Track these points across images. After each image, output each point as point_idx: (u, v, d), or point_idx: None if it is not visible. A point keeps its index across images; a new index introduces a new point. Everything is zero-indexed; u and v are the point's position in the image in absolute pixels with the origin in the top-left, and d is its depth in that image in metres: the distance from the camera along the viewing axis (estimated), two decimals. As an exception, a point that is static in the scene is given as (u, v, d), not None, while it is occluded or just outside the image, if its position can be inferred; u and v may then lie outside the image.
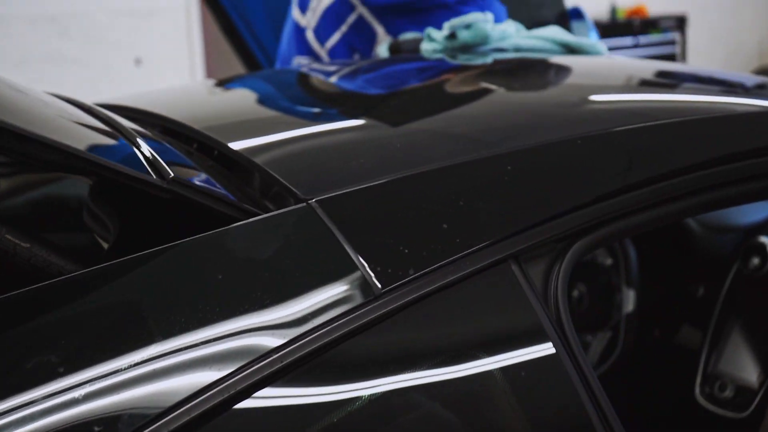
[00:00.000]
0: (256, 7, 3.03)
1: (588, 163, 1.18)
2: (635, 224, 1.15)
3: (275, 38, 2.85)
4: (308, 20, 2.49)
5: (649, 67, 1.83)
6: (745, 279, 2.01)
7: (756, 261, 2.01)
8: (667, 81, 1.67)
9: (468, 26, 1.97)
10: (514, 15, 2.87)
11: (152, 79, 5.95)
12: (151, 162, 1.03)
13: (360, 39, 2.37)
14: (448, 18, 2.34)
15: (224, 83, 1.79)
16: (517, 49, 1.99)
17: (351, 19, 2.41)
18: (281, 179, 1.07)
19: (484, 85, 1.55)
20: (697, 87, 1.69)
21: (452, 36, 1.98)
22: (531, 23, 2.90)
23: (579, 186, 1.13)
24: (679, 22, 6.99)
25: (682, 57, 7.04)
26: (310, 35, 2.49)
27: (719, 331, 1.99)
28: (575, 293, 2.24)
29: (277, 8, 2.86)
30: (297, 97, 1.57)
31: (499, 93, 1.51)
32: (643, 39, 6.86)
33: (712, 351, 1.99)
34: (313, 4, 2.48)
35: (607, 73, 1.71)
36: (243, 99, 1.58)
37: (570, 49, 2.02)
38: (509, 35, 2.01)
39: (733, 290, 2.00)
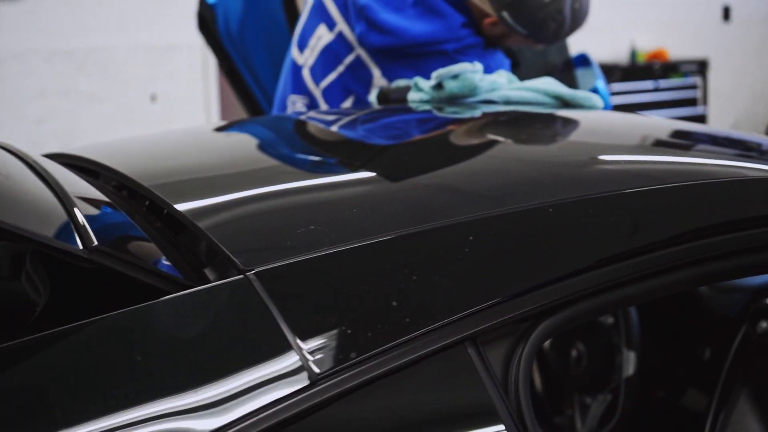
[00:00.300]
0: (258, 51, 2.97)
1: (559, 233, 1.09)
2: (612, 301, 1.06)
3: (277, 82, 2.79)
4: (306, 58, 2.44)
5: (639, 124, 1.75)
6: (754, 343, 1.91)
7: (765, 325, 1.92)
8: (653, 139, 1.59)
9: (455, 76, 1.89)
10: (516, 64, 2.80)
11: (167, 116, 5.94)
12: (78, 228, 0.95)
13: (356, 81, 2.32)
14: (445, 66, 2.27)
15: (200, 132, 1.72)
16: (507, 102, 1.90)
17: (348, 59, 2.35)
18: (222, 247, 0.99)
19: (460, 143, 1.48)
20: (687, 145, 1.60)
21: (439, 86, 1.89)
22: (535, 72, 2.82)
23: (548, 259, 1.04)
24: (701, 66, 6.91)
25: (704, 102, 6.94)
26: (306, 73, 2.44)
27: (725, 396, 1.89)
28: (573, 353, 2.15)
29: (280, 53, 2.79)
30: (265, 152, 1.49)
31: (473, 153, 1.42)
32: (663, 83, 6.78)
33: (717, 417, 1.89)
34: (312, 42, 2.42)
35: (592, 131, 1.63)
36: (207, 151, 1.50)
37: (564, 102, 1.92)
38: (499, 86, 1.93)
39: (741, 354, 1.91)
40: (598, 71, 2.96)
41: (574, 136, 1.61)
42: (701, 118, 6.93)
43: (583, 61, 3.06)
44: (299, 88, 2.44)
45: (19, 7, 5.53)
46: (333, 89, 2.36)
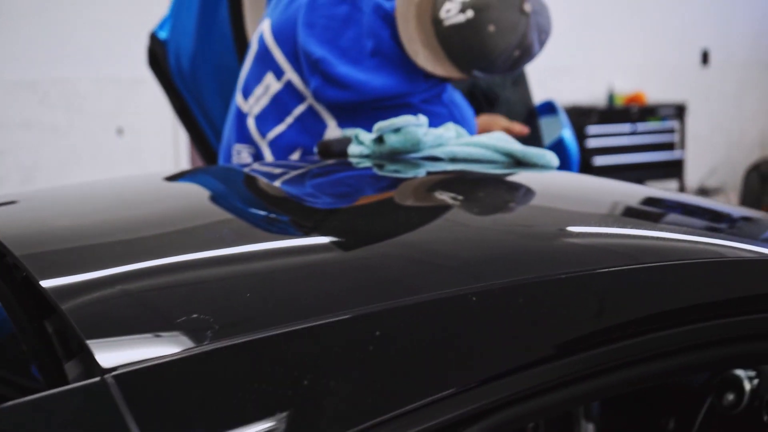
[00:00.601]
0: (210, 90, 2.83)
1: (485, 328, 0.93)
2: (548, 405, 0.91)
3: (231, 123, 2.64)
4: (250, 106, 2.28)
5: (594, 189, 1.59)
6: (719, 416, 1.77)
7: (731, 397, 1.78)
8: (607, 207, 1.44)
9: (397, 130, 1.74)
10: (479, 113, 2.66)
11: (134, 150, 5.80)
12: None
13: (306, 133, 2.15)
14: None
15: (116, 187, 1.56)
16: (453, 159, 1.76)
17: (298, 111, 2.18)
18: (84, 338, 0.84)
19: (387, 212, 1.31)
20: (648, 215, 1.44)
21: (381, 139, 1.73)
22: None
23: (472, 359, 0.89)
24: (679, 110, 6.82)
25: (681, 146, 6.85)
26: (251, 123, 2.27)
27: (690, 471, 1.76)
28: (530, 424, 2.01)
29: (233, 93, 2.65)
30: (173, 217, 1.31)
31: (398, 225, 1.24)
32: (641, 126, 6.69)
33: (682, 491, 1.76)
34: (258, 91, 2.25)
35: (541, 198, 1.47)
36: (112, 212, 1.34)
37: (516, 160, 1.78)
38: (446, 141, 1.78)
39: (706, 427, 1.77)
40: (565, 119, 2.83)
41: (519, 205, 1.45)
42: (678, 163, 6.84)
43: (549, 108, 2.93)
44: (244, 136, 2.28)
45: (-19, 37, 5.40)
46: (281, 141, 2.20)
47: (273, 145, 2.21)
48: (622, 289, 1.06)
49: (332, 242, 1.14)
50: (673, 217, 1.46)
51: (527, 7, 2.05)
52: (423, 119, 1.77)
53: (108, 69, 5.67)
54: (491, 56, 2.04)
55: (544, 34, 2.11)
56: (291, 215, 1.32)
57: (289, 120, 2.18)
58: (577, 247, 1.19)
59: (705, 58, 7.51)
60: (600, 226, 1.30)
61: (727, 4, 7.53)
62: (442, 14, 2.06)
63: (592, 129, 6.53)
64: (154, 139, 5.88)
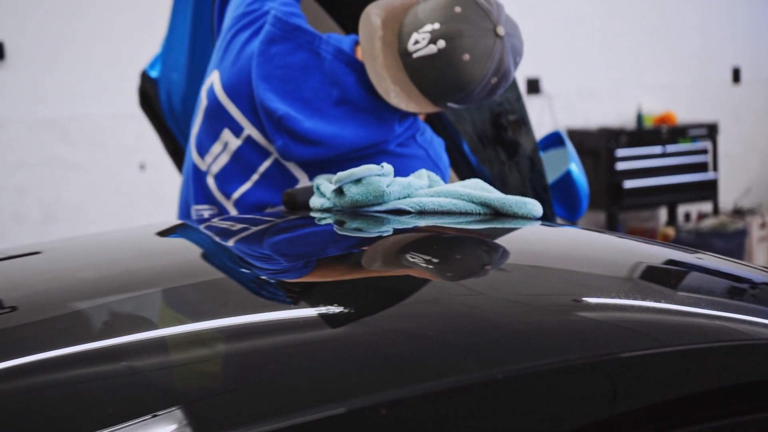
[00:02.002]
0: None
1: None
2: None
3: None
4: (208, 165, 2.09)
5: (582, 248, 1.45)
6: None
7: None
8: (601, 272, 1.29)
9: (359, 180, 1.58)
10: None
11: (157, 186, 5.76)
12: None
13: (275, 190, 1.98)
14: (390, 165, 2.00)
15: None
16: (422, 211, 1.60)
17: (264, 167, 2.01)
18: None
19: (331, 287, 1.17)
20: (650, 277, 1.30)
21: (342, 191, 1.60)
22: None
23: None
24: (710, 130, 6.66)
25: (714, 167, 6.68)
26: (210, 181, 2.08)
27: None
28: None
29: None
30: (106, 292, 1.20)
31: (346, 307, 1.11)
32: (671, 148, 6.53)
33: None
34: (215, 149, 2.05)
35: (515, 263, 1.32)
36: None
37: (494, 210, 1.59)
38: (414, 191, 1.62)
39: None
40: (572, 152, 2.71)
41: (496, 269, 1.27)
42: (712, 184, 6.67)
43: (557, 140, 2.81)
44: (205, 197, 2.09)
45: (1, 75, 5.40)
46: (247, 200, 2.02)
47: (239, 204, 2.04)
48: (639, 376, 0.94)
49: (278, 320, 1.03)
50: (689, 285, 1.29)
51: (501, 30, 1.89)
52: (388, 168, 1.63)
53: (128, 105, 5.63)
54: (468, 86, 1.90)
55: (518, 57, 1.96)
56: (222, 292, 1.20)
57: (255, 177, 2.02)
58: (584, 327, 1.07)
59: (736, 75, 7.34)
60: (603, 297, 1.17)
61: (758, 21, 7.36)
62: (410, 46, 1.91)
63: (621, 152, 6.39)
64: (176, 175, 5.84)
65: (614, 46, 6.86)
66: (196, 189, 2.10)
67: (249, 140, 2.00)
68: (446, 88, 1.90)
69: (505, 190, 2.58)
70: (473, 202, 1.56)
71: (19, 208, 5.55)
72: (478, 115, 2.50)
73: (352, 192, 1.57)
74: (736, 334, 1.08)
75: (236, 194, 2.03)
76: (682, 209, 6.99)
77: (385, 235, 1.53)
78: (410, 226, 1.54)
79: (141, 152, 5.74)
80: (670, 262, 1.34)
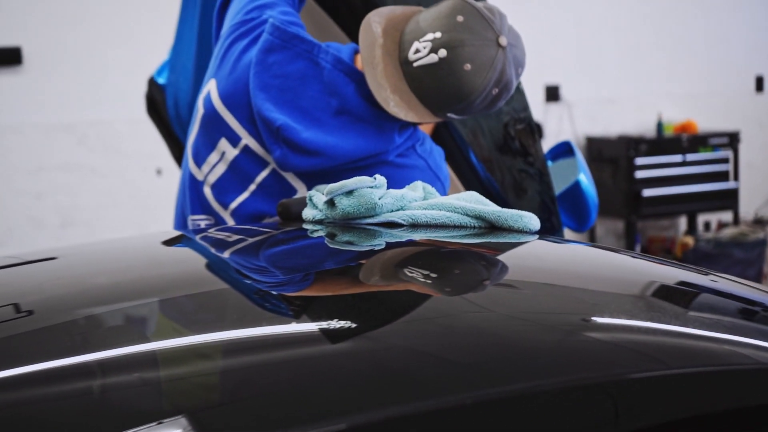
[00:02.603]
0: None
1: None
2: None
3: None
4: (205, 174, 2.05)
5: (586, 265, 1.41)
6: None
7: None
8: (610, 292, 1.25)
9: (350, 192, 1.54)
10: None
11: (174, 190, 5.73)
12: None
13: (273, 199, 1.93)
14: (390, 176, 1.95)
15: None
16: (414, 224, 1.55)
17: (261, 177, 1.97)
18: None
19: (310, 310, 1.13)
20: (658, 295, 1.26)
21: (333, 202, 1.57)
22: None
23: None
24: (731, 139, 6.59)
25: (735, 176, 6.60)
26: (207, 191, 2.04)
27: None
28: None
29: None
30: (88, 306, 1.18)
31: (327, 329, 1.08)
32: (691, 156, 6.47)
33: None
34: (212, 158, 2.01)
35: (512, 281, 1.27)
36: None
37: (490, 223, 1.55)
38: (407, 203, 1.58)
39: None
40: (581, 162, 2.67)
41: (494, 285, 1.22)
42: (732, 193, 6.60)
43: (566, 149, 2.76)
44: (202, 206, 2.05)
45: (18, 80, 5.42)
46: (244, 210, 1.98)
47: (236, 215, 2.01)
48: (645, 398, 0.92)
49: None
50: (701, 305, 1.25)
51: (503, 40, 1.85)
52: (380, 180, 1.59)
53: (144, 110, 5.65)
54: (469, 97, 1.85)
55: (521, 68, 1.92)
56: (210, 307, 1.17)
57: (252, 187, 1.98)
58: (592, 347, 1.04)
59: (759, 84, 7.26)
60: (594, 315, 1.14)
61: (782, 29, 7.28)
62: (411, 55, 1.87)
63: (640, 160, 6.34)
64: (193, 179, 5.84)
65: (635, 53, 6.81)
66: (192, 199, 2.07)
67: (246, 150, 1.96)
68: (447, 98, 1.86)
69: (515, 200, 2.55)
70: (468, 215, 1.52)
71: (36, 213, 5.57)
72: (486, 124, 2.47)
73: (344, 204, 1.53)
74: (742, 359, 1.05)
75: (233, 204, 2.00)
76: (702, 218, 6.93)
77: (374, 249, 1.49)
78: (401, 239, 1.50)
79: (158, 157, 5.74)
80: (658, 281, 1.31)
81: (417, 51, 1.86)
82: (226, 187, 2.00)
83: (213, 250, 1.49)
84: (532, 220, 1.53)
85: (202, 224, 2.05)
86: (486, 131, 2.50)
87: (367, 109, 1.90)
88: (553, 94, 6.62)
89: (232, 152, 1.97)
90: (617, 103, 6.83)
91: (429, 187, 1.66)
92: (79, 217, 5.72)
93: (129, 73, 5.53)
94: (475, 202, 1.53)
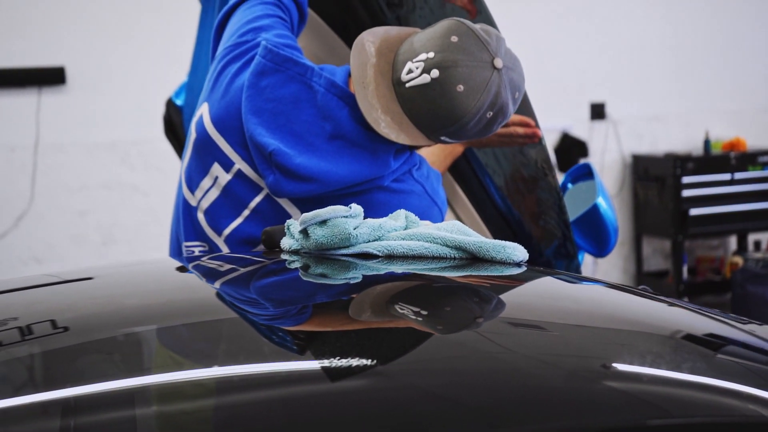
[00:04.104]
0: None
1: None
2: None
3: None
4: (198, 200, 2.01)
5: (592, 307, 1.34)
6: None
7: None
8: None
9: (324, 221, 1.50)
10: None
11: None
12: None
13: (267, 225, 1.88)
14: (386, 202, 1.90)
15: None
16: (390, 255, 1.49)
17: (254, 202, 1.93)
18: None
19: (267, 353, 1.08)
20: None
21: (307, 232, 1.52)
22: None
23: None
24: (782, 157, 6.42)
25: (785, 195, 6.44)
26: (201, 217, 2.00)
27: None
28: None
29: None
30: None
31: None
32: (739, 175, 6.32)
33: None
34: (204, 183, 1.97)
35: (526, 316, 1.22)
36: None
37: (471, 254, 1.48)
38: (385, 233, 1.52)
39: None
40: (600, 185, 2.59)
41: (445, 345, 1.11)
42: (783, 213, 6.44)
43: (586, 172, 2.69)
44: (195, 232, 2.01)
45: (62, 100, 5.50)
46: (238, 235, 1.95)
47: (229, 240, 1.96)
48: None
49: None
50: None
51: (498, 62, 1.79)
52: (356, 209, 1.54)
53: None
54: (462, 119, 1.79)
55: (518, 92, 1.85)
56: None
57: (246, 213, 1.94)
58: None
59: (811, 100, 7.08)
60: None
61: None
62: (404, 76, 1.82)
63: (687, 179, 6.21)
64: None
65: (682, 70, 6.69)
66: (186, 225, 2.03)
67: (239, 175, 1.93)
68: (439, 120, 1.81)
69: (531, 225, 2.49)
70: (447, 246, 1.46)
71: (78, 231, 5.63)
72: (500, 149, 2.42)
73: (317, 234, 1.49)
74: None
75: (227, 230, 1.96)
76: (752, 238, 6.76)
77: (344, 283, 1.43)
78: (377, 272, 1.45)
79: (200, 176, 5.78)
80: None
81: (410, 71, 1.81)
82: (219, 213, 1.96)
83: (177, 285, 1.46)
84: (516, 251, 1.47)
85: (196, 251, 2.01)
86: (500, 156, 2.46)
87: (362, 133, 1.86)
88: (598, 111, 6.52)
89: (225, 177, 1.94)
90: (664, 121, 6.70)
91: (412, 216, 1.61)
92: (120, 235, 5.77)
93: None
94: (457, 231, 1.48)
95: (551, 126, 6.29)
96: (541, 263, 2.52)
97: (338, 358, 1.05)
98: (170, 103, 2.88)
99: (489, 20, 2.16)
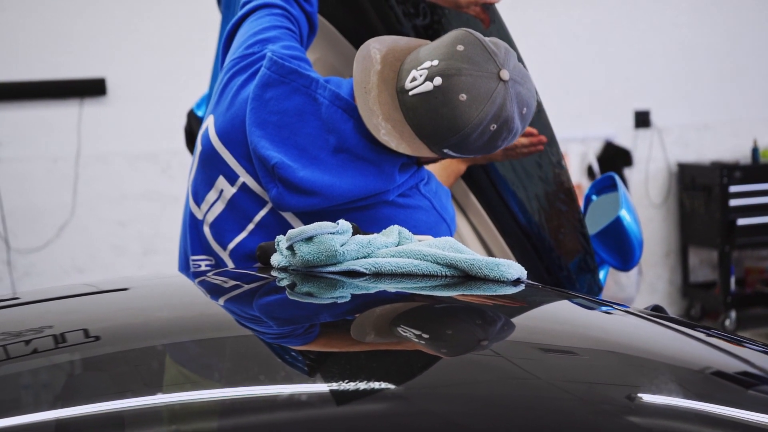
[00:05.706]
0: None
1: None
2: None
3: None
4: (204, 213, 1.98)
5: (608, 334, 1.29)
6: None
7: None
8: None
9: (310, 238, 1.45)
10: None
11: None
12: None
13: (272, 239, 1.80)
14: (392, 217, 1.85)
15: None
16: (377, 273, 1.44)
17: (259, 216, 1.90)
18: None
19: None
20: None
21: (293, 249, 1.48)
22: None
23: None
24: (833, 165, 6.26)
25: (836, 204, 6.27)
26: (207, 230, 1.97)
27: None
28: None
29: None
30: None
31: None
32: (788, 184, 6.17)
33: None
34: (210, 196, 1.95)
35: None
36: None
37: (463, 272, 1.43)
38: (375, 250, 1.47)
39: None
40: (624, 197, 2.52)
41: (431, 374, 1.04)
42: (834, 223, 6.26)
43: (610, 183, 2.63)
44: (202, 246, 1.98)
45: (103, 111, 5.54)
46: (242, 250, 1.91)
47: (234, 255, 1.94)
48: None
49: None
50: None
51: (505, 74, 1.73)
52: (344, 225, 1.49)
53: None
54: (464, 129, 1.74)
55: (526, 108, 1.78)
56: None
57: (251, 227, 1.91)
58: None
59: None
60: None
61: None
62: (408, 84, 1.77)
63: (734, 188, 6.07)
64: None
65: (729, 77, 6.55)
66: (192, 238, 2.01)
67: (244, 188, 1.90)
68: (440, 130, 1.76)
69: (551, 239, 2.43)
70: (438, 263, 1.41)
71: (119, 241, 5.67)
72: (521, 165, 2.38)
73: (303, 251, 1.45)
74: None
75: (231, 245, 1.93)
76: (802, 248, 6.60)
77: (327, 303, 1.39)
78: (365, 291, 1.40)
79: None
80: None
81: (413, 79, 1.77)
82: (224, 227, 1.93)
83: (158, 304, 1.43)
84: (511, 269, 1.41)
85: (203, 265, 1.99)
86: (519, 169, 2.41)
87: (366, 146, 1.81)
88: (643, 119, 6.42)
89: (230, 190, 1.91)
90: (710, 129, 6.58)
91: (406, 231, 1.56)
92: (160, 245, 5.79)
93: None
94: (449, 248, 1.42)
95: (594, 135, 6.20)
96: (563, 278, 2.46)
97: (311, 382, 1.02)
98: (191, 114, 2.87)
99: (502, 29, 2.11)
